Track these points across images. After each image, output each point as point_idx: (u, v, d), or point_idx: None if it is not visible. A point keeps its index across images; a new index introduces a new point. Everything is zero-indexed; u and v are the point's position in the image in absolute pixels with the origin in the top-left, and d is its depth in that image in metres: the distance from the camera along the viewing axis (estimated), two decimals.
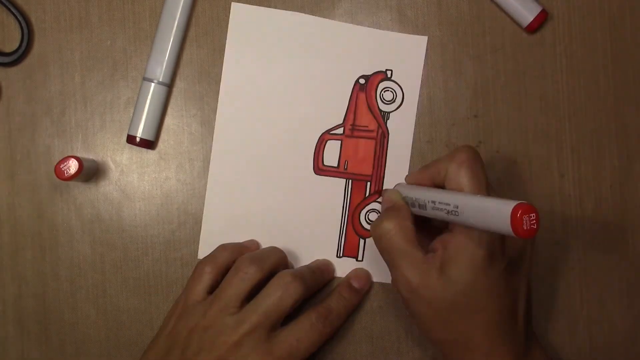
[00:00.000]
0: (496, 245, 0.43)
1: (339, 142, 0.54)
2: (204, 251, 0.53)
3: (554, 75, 0.54)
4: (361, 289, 0.53)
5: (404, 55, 0.54)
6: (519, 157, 0.54)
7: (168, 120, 0.54)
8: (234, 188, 0.54)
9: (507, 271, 0.44)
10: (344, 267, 0.53)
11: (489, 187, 0.46)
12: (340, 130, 0.54)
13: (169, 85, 0.54)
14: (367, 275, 0.53)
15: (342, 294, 0.52)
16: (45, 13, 0.54)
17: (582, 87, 0.54)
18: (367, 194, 0.54)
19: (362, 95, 0.54)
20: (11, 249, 0.54)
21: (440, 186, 0.46)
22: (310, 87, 0.54)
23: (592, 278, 0.54)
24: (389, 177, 0.54)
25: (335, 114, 0.54)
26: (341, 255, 0.53)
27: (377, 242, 0.46)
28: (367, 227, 0.54)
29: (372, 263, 0.53)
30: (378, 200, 0.53)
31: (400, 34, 0.54)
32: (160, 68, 0.53)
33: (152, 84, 0.53)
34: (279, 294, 0.48)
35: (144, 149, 0.54)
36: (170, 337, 0.49)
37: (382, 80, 0.54)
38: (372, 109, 0.54)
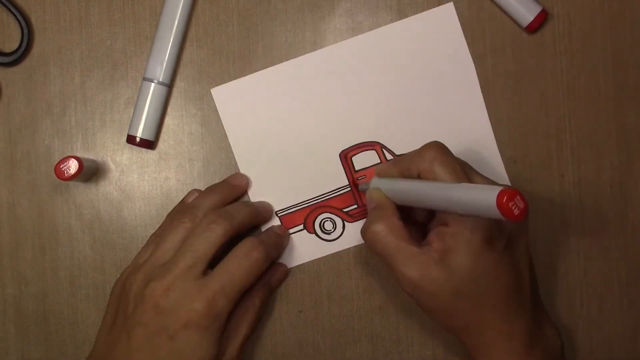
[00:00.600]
0: (493, 227, 0.44)
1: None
2: None
3: (554, 75, 0.54)
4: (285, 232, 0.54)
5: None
6: (519, 157, 0.54)
7: (168, 120, 0.54)
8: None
9: (507, 249, 0.45)
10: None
11: (470, 172, 0.46)
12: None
13: (169, 85, 0.54)
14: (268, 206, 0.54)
15: (272, 229, 0.53)
16: (45, 13, 0.54)
17: (582, 87, 0.54)
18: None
19: None
20: (11, 249, 0.54)
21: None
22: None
23: (592, 278, 0.54)
24: None
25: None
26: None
27: (371, 246, 0.46)
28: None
29: None
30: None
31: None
32: (160, 68, 0.53)
33: (152, 84, 0.53)
34: (203, 234, 0.48)
35: (144, 149, 0.54)
36: (115, 303, 0.49)
37: None
38: None
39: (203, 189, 0.54)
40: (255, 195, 0.54)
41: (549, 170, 0.54)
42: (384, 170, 0.49)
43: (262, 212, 0.53)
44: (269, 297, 0.53)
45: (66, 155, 0.50)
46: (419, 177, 0.46)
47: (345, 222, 0.54)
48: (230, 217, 0.49)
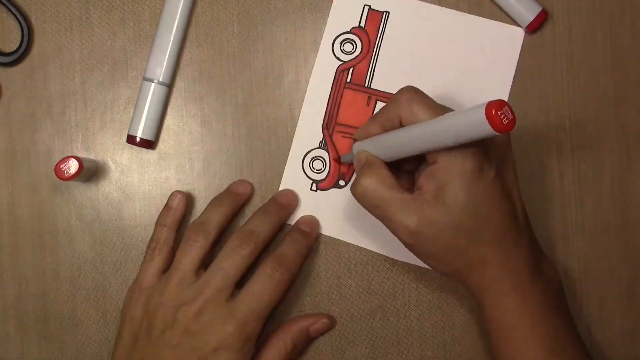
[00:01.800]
0: (481, 155, 0.43)
1: None
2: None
3: (554, 75, 0.54)
4: (311, 232, 0.53)
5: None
6: (519, 157, 0.54)
7: (168, 120, 0.54)
8: None
9: (497, 177, 0.44)
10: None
11: (447, 110, 0.46)
12: None
13: (169, 85, 0.54)
14: (314, 221, 0.53)
15: (293, 237, 0.52)
16: (45, 13, 0.54)
17: (582, 87, 0.54)
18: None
19: None
20: (11, 249, 0.54)
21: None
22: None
23: (592, 278, 0.54)
24: None
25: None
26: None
27: (362, 201, 0.46)
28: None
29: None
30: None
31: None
32: (160, 68, 0.53)
33: (152, 84, 0.53)
34: (230, 258, 0.48)
35: (144, 149, 0.54)
36: (132, 324, 0.49)
37: None
38: None
39: (203, 189, 0.54)
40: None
41: (549, 170, 0.54)
42: (364, 131, 0.48)
43: (286, 212, 0.53)
44: (305, 344, 0.53)
45: (66, 155, 0.50)
46: (400, 125, 0.46)
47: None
48: (255, 237, 0.50)
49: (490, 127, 0.37)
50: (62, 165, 0.49)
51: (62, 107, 0.54)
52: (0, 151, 0.54)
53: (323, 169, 0.54)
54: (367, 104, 0.54)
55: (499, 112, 0.37)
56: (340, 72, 0.54)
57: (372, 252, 0.54)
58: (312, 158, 0.54)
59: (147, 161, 0.54)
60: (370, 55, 0.54)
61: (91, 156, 0.54)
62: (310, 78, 0.54)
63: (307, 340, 0.53)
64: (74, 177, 0.49)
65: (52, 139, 0.54)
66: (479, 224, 0.44)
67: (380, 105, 0.54)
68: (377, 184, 0.45)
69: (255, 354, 0.49)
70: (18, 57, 0.53)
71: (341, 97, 0.54)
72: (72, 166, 0.50)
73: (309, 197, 0.54)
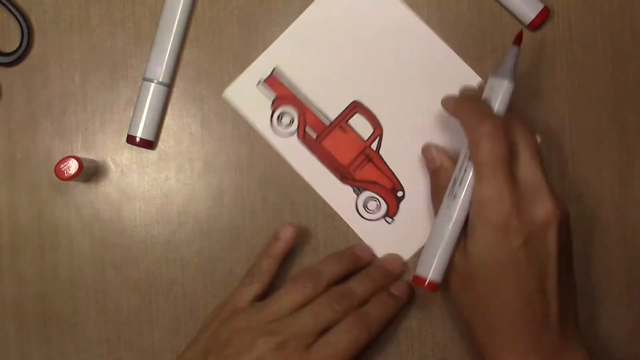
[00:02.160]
0: (511, 216, 0.43)
1: None
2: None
3: (554, 75, 0.54)
4: (401, 297, 0.52)
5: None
6: None
7: (168, 120, 0.54)
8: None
9: (527, 247, 0.43)
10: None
11: (523, 158, 0.45)
12: None
13: (169, 86, 0.54)
14: (405, 286, 0.52)
15: (383, 298, 0.51)
16: (45, 13, 0.54)
17: (582, 87, 0.54)
18: None
19: None
20: (11, 249, 0.54)
21: None
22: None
23: (592, 277, 0.54)
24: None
25: None
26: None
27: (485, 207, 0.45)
28: None
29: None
30: None
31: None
32: (160, 68, 0.53)
33: (152, 84, 0.53)
34: (324, 309, 0.48)
35: (143, 149, 0.54)
36: (212, 338, 0.49)
37: None
38: None
39: (203, 189, 0.54)
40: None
41: (549, 170, 0.54)
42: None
43: (389, 279, 0.52)
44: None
45: (66, 156, 0.50)
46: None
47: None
48: (353, 298, 0.49)
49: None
50: (62, 165, 0.49)
51: (62, 107, 0.54)
52: (0, 151, 0.54)
53: (377, 209, 0.54)
54: (345, 133, 0.54)
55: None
56: (302, 140, 0.54)
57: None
58: (363, 200, 0.54)
59: (147, 161, 0.54)
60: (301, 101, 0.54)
61: (91, 156, 0.54)
62: (285, 159, 0.54)
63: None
64: (74, 177, 0.49)
65: (52, 139, 0.54)
66: (492, 284, 0.44)
67: (358, 118, 0.54)
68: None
69: None
70: (18, 57, 0.53)
71: (323, 151, 0.54)
72: (72, 166, 0.50)
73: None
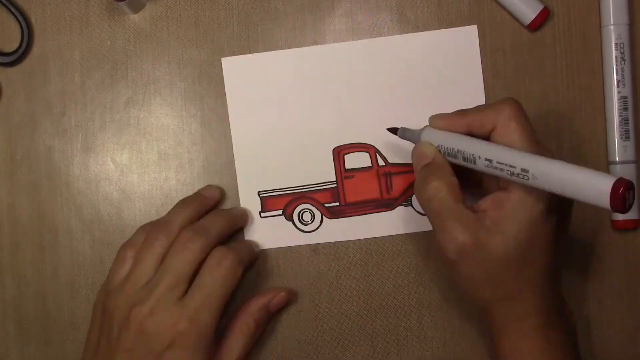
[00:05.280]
0: (552, 202, 0.43)
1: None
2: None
3: (554, 75, 0.54)
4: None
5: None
6: None
7: (168, 120, 0.54)
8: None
9: (557, 226, 0.44)
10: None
11: (538, 144, 0.44)
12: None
13: None
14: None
15: (241, 239, 0.52)
16: (45, 13, 0.54)
17: (582, 87, 0.54)
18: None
19: None
20: (11, 249, 0.54)
21: (477, 136, 0.44)
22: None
23: (592, 278, 0.54)
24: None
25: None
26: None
27: (427, 205, 0.45)
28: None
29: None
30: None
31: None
32: None
33: None
34: (181, 253, 0.48)
35: (143, 150, 0.54)
36: (97, 327, 0.49)
37: None
38: None
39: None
40: (242, 171, 0.54)
41: None
42: (445, 122, 0.46)
43: (238, 218, 0.53)
44: (267, 321, 0.52)
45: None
46: (488, 135, 0.44)
47: (324, 217, 0.54)
48: (206, 232, 0.49)
49: (608, 202, 0.36)
50: None
51: (62, 107, 0.54)
52: (0, 151, 0.54)
53: None
54: (353, 177, 0.54)
55: (625, 194, 0.36)
56: (332, 217, 0.54)
57: (372, 251, 0.54)
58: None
59: (147, 161, 0.54)
60: None
61: (91, 156, 0.54)
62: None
63: (269, 316, 0.52)
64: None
65: (52, 139, 0.54)
66: (528, 262, 0.44)
67: (349, 158, 0.54)
68: (447, 191, 0.44)
69: (218, 342, 0.49)
70: (18, 57, 0.53)
71: (355, 208, 0.54)
72: None
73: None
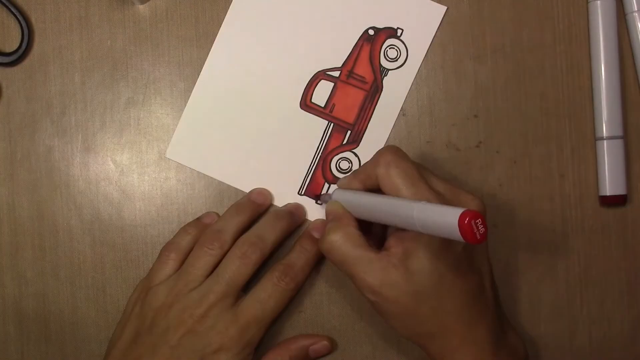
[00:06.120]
0: None
1: (332, 84, 0.54)
2: (171, 151, 0.54)
3: (554, 75, 0.54)
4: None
5: (419, 19, 0.53)
6: (518, 157, 0.54)
7: (168, 120, 0.54)
8: (218, 103, 0.54)
9: (465, 252, 0.45)
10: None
11: (428, 176, 0.46)
12: (336, 73, 0.54)
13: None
14: (321, 223, 0.53)
15: (303, 246, 0.51)
16: (45, 13, 0.54)
17: (582, 87, 0.54)
18: (345, 142, 0.53)
19: (367, 46, 0.54)
20: (11, 249, 0.54)
21: (375, 190, 0.47)
22: (316, 26, 0.54)
23: (592, 278, 0.54)
24: (370, 132, 0.54)
25: (335, 57, 0.54)
26: (302, 193, 0.53)
27: (329, 256, 0.47)
28: (336, 174, 0.53)
29: None
30: (353, 150, 0.53)
31: None
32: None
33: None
34: (237, 263, 0.49)
35: (143, 150, 0.54)
36: (137, 319, 0.50)
37: (390, 37, 0.53)
38: (373, 61, 0.53)
39: (203, 189, 0.54)
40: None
41: (548, 170, 0.54)
42: (346, 183, 0.49)
43: (296, 220, 0.53)
44: None
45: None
46: (376, 185, 0.46)
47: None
48: (262, 243, 0.50)
49: (460, 235, 0.36)
50: None
51: (62, 107, 0.54)
52: (0, 151, 0.54)
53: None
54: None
55: (472, 222, 0.36)
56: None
57: None
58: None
59: (147, 161, 0.54)
60: None
61: (91, 156, 0.54)
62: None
63: None
64: None
65: (52, 139, 0.54)
66: (441, 294, 0.44)
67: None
68: (344, 241, 0.46)
69: None
70: (18, 57, 0.53)
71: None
72: None
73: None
